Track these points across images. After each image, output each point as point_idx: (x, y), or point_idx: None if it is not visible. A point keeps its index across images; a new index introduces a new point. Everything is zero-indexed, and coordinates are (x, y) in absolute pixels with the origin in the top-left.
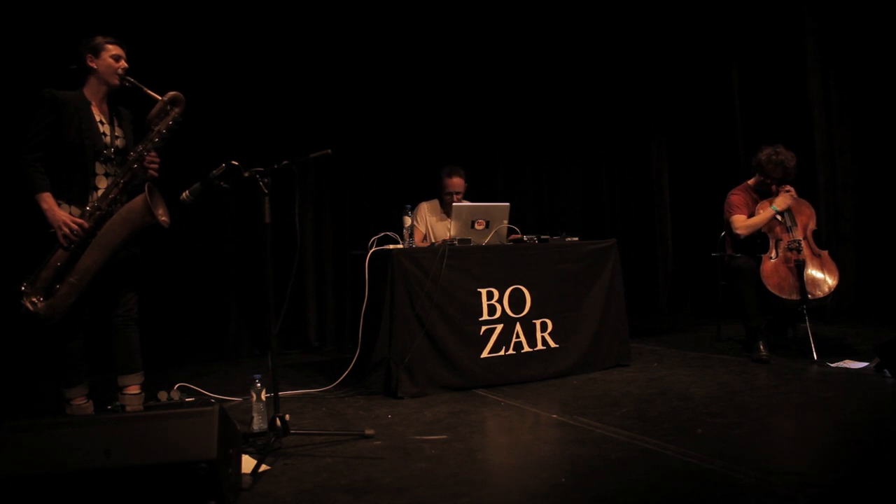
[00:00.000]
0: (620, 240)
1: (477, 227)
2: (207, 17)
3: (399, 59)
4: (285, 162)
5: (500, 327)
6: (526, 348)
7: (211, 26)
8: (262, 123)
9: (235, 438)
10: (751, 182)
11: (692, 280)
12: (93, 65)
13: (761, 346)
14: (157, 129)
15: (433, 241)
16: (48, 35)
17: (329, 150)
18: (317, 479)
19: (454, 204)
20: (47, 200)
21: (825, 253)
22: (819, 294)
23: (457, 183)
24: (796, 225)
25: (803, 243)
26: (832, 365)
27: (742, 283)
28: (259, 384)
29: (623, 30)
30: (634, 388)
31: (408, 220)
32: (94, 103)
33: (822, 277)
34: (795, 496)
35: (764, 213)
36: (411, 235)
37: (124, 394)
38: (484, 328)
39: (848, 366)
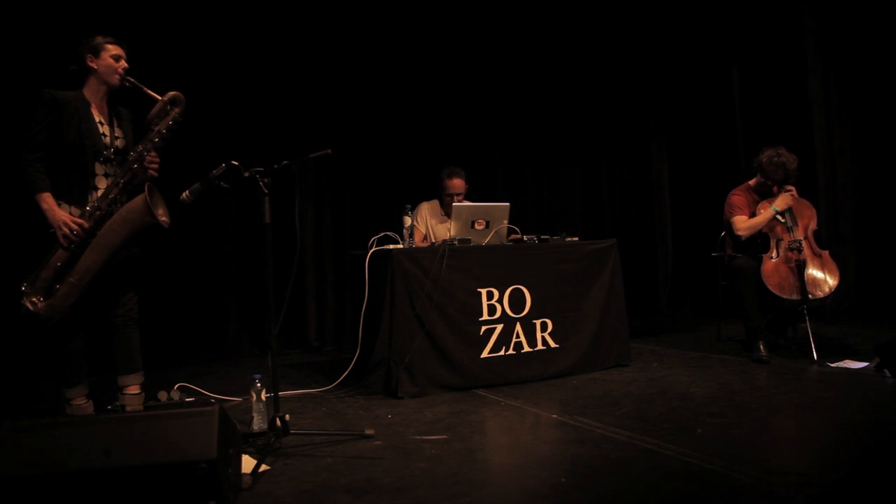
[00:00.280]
0: (620, 240)
1: (477, 227)
2: (207, 17)
3: (399, 60)
4: (285, 162)
5: (500, 327)
6: (526, 348)
7: (211, 26)
8: (262, 123)
9: (235, 438)
10: (751, 182)
11: (692, 280)
12: (93, 65)
13: (761, 346)
14: (157, 129)
15: (433, 241)
16: (48, 35)
17: (329, 150)
18: (317, 479)
19: (454, 204)
20: (47, 200)
21: (826, 253)
22: (819, 294)
23: (457, 184)
24: (797, 225)
25: (804, 243)
26: (832, 365)
27: (742, 283)
28: (259, 384)
29: (623, 30)
30: (634, 388)
31: (408, 220)
32: (93, 103)
33: (822, 277)
34: (795, 496)
35: (764, 213)
36: (411, 235)
37: (124, 394)
38: (484, 328)
39: (848, 366)
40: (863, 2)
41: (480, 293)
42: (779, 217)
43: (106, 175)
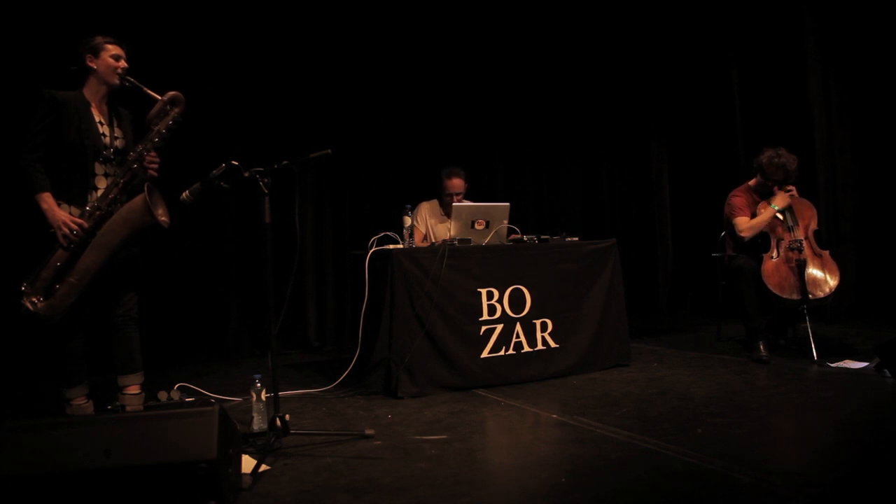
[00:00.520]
0: (620, 240)
1: (477, 227)
2: (207, 17)
3: (399, 60)
4: (285, 162)
5: (500, 327)
6: (526, 348)
7: (211, 26)
8: (262, 123)
9: (235, 438)
10: (751, 183)
11: (692, 280)
12: (92, 65)
13: (761, 346)
14: (156, 129)
15: (433, 241)
16: (48, 35)
17: (329, 150)
18: (317, 479)
19: (454, 204)
20: (47, 200)
21: (826, 253)
22: (820, 294)
23: (457, 184)
24: (798, 224)
25: (804, 243)
26: (832, 365)
27: (742, 283)
28: (259, 384)
29: (623, 30)
30: (634, 388)
31: (408, 220)
32: (93, 103)
33: (822, 277)
34: (795, 496)
35: (765, 212)
36: (411, 235)
37: (124, 394)
38: (484, 328)
39: (848, 366)
40: (863, 2)
41: (480, 293)
42: (779, 216)
43: (106, 175)
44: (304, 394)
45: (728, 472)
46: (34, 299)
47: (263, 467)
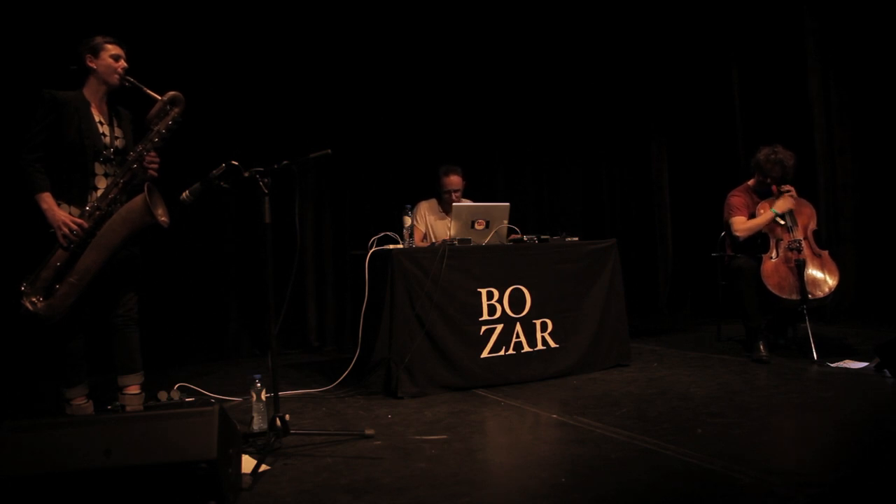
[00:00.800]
0: (620, 240)
1: (477, 227)
2: (207, 17)
3: (399, 60)
4: (285, 162)
5: (500, 327)
6: (526, 348)
7: (211, 26)
8: (262, 123)
9: (235, 438)
10: (750, 183)
11: (692, 280)
12: (92, 65)
13: (761, 346)
14: (156, 129)
15: (433, 240)
16: (48, 35)
17: (329, 150)
18: (317, 479)
19: (454, 204)
20: (47, 200)
21: (825, 253)
22: (819, 294)
23: (454, 181)
24: (797, 225)
25: (804, 243)
26: (832, 365)
27: (742, 283)
28: (259, 384)
29: (623, 30)
30: (634, 388)
31: (408, 220)
32: (93, 103)
33: (822, 277)
34: (795, 496)
35: (764, 215)
36: (411, 235)
37: (124, 394)
38: (484, 328)
39: (848, 366)
40: (863, 2)
41: (480, 293)
42: (778, 219)
43: (106, 175)
44: (304, 394)
45: (728, 472)
46: (34, 299)
47: (263, 467)
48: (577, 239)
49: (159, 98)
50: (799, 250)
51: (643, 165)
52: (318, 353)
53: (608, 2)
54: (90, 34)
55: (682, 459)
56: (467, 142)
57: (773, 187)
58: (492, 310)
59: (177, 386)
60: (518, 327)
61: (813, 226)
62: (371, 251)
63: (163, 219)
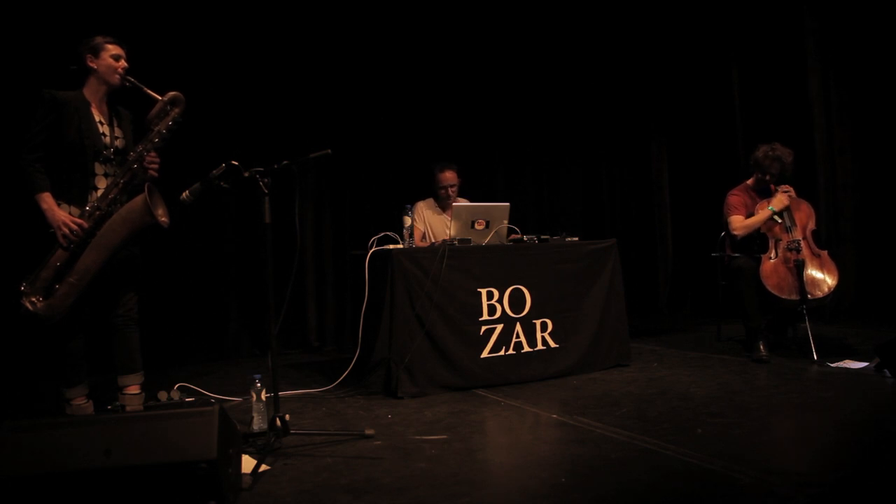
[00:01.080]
0: (620, 240)
1: (477, 227)
2: (207, 17)
3: (399, 60)
4: (285, 162)
5: (500, 327)
6: (526, 348)
7: (211, 26)
8: (262, 123)
9: (235, 438)
10: (750, 182)
11: (692, 280)
12: (92, 65)
13: (761, 346)
14: (156, 129)
15: (432, 239)
16: (48, 35)
17: (329, 150)
18: (317, 479)
19: (455, 204)
20: (47, 200)
21: (825, 253)
22: (819, 294)
23: (449, 177)
24: (795, 225)
25: (802, 243)
26: (832, 365)
27: (742, 283)
28: (259, 384)
29: (623, 30)
30: (634, 388)
31: (408, 220)
32: (93, 103)
33: (821, 277)
34: (795, 496)
35: (761, 213)
36: (411, 235)
37: (124, 394)
38: (484, 328)
39: (848, 366)
40: (863, 2)
41: (480, 293)
42: (777, 217)
43: (106, 175)
44: (304, 394)
45: (728, 472)
46: (34, 299)
47: (263, 467)
48: (577, 239)
49: (159, 98)
50: (798, 250)
51: (643, 165)
52: (318, 353)
53: (608, 2)
54: (90, 34)
55: (682, 459)
56: (467, 142)
57: (773, 186)
58: (492, 310)
59: (177, 386)
60: (518, 327)
61: (812, 226)
62: (371, 251)
63: (163, 219)
